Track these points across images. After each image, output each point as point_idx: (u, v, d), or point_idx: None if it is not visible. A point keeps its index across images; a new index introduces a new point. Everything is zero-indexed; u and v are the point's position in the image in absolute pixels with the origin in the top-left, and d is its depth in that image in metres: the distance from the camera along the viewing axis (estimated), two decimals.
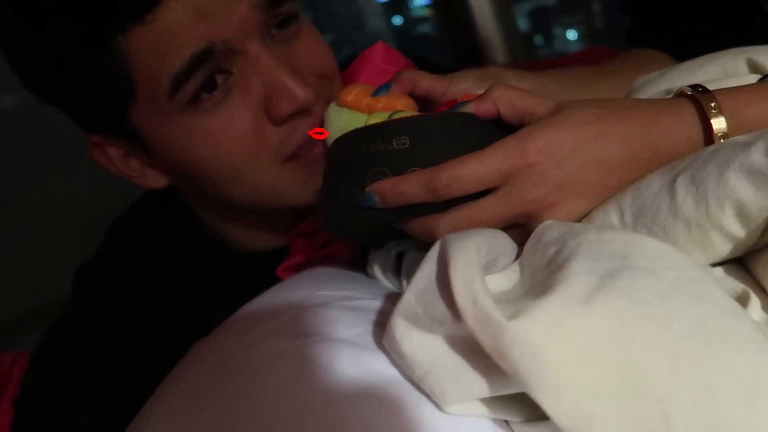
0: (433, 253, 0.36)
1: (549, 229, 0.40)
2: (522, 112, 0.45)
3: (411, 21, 2.83)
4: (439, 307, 0.34)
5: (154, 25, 0.52)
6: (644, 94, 0.54)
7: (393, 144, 0.45)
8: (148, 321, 0.64)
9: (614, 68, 0.69)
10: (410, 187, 0.44)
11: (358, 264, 0.63)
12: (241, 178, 0.59)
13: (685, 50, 0.68)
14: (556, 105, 0.44)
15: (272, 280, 0.57)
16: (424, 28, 2.77)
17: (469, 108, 0.47)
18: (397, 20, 2.81)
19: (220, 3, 0.53)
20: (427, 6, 2.68)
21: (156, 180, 0.65)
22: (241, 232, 0.71)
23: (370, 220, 0.46)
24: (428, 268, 0.35)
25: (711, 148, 0.41)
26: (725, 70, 0.52)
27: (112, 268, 0.69)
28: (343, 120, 0.53)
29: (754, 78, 0.50)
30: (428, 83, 0.54)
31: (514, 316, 0.30)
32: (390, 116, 0.49)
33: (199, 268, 0.70)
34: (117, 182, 0.67)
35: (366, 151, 0.46)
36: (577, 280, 0.32)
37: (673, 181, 0.40)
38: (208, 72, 0.54)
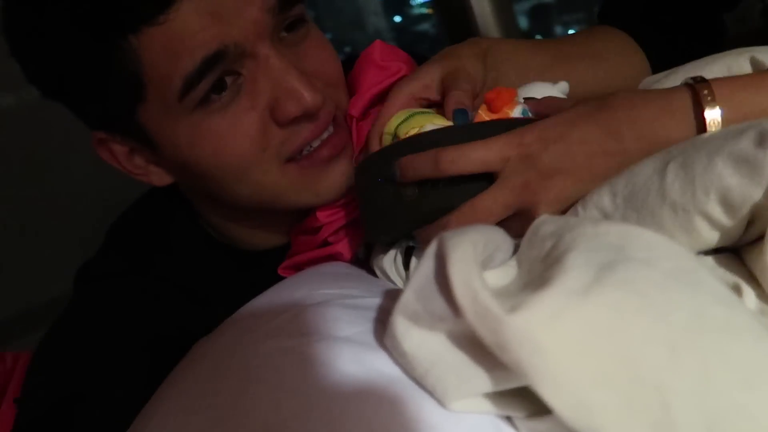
0: (431, 250, 0.36)
1: (545, 224, 0.41)
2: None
3: (411, 19, 2.83)
4: (439, 303, 0.34)
5: (167, 26, 0.51)
6: None
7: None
8: (150, 320, 0.64)
9: (576, 53, 0.70)
10: (421, 161, 0.49)
11: (360, 263, 0.64)
12: (244, 177, 0.59)
13: (655, 34, 0.70)
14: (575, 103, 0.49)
15: (274, 279, 0.57)
16: (425, 26, 2.77)
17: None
18: (398, 18, 2.81)
19: (232, 5, 0.53)
20: (427, 4, 2.68)
21: (160, 178, 0.64)
22: (244, 231, 0.71)
23: (404, 220, 0.52)
24: (426, 265, 0.35)
25: (706, 135, 0.41)
26: (729, 68, 0.52)
27: (114, 267, 0.69)
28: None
29: None
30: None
31: (513, 309, 0.30)
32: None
33: (201, 267, 0.70)
34: (118, 181, 0.67)
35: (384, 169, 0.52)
36: (574, 272, 0.32)
37: (665, 165, 0.41)
38: (218, 74, 0.54)
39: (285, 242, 0.70)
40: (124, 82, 0.54)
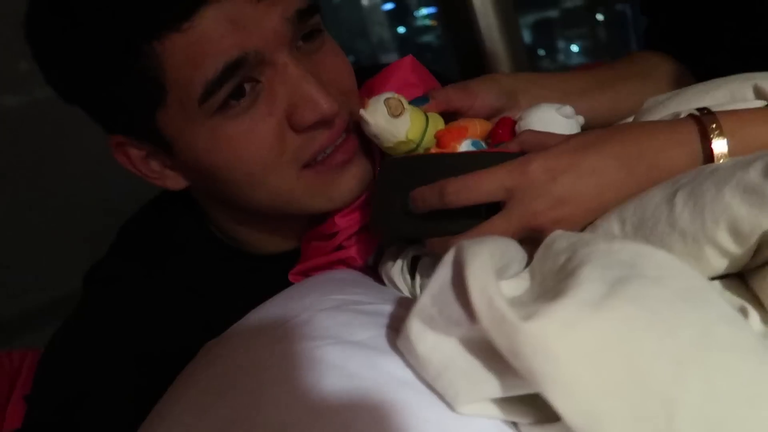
0: (449, 257, 0.37)
1: (559, 239, 0.42)
2: None
3: (415, 30, 2.83)
4: (455, 309, 0.35)
5: (189, 33, 0.52)
6: (653, 117, 0.55)
7: (432, 175, 0.52)
8: (158, 322, 0.65)
9: (617, 76, 0.71)
10: (428, 193, 0.50)
11: (368, 270, 0.64)
12: (260, 182, 0.60)
13: (701, 54, 0.70)
14: (567, 137, 0.49)
15: (284, 283, 0.58)
16: (428, 38, 2.78)
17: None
18: (402, 29, 2.82)
19: (254, 14, 0.54)
20: (431, 15, 2.69)
21: (175, 182, 0.65)
22: (254, 235, 0.71)
23: (408, 232, 0.55)
24: (444, 271, 0.36)
25: (713, 165, 0.42)
26: (733, 95, 0.53)
27: (124, 269, 0.69)
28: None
29: (760, 104, 0.51)
30: (459, 102, 0.60)
31: (528, 317, 0.31)
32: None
33: (211, 270, 0.70)
34: (121, 181, 0.68)
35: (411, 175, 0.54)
36: (588, 286, 0.33)
37: (674, 194, 0.42)
38: (238, 81, 0.55)
39: (294, 247, 0.71)
40: (146, 88, 0.55)
